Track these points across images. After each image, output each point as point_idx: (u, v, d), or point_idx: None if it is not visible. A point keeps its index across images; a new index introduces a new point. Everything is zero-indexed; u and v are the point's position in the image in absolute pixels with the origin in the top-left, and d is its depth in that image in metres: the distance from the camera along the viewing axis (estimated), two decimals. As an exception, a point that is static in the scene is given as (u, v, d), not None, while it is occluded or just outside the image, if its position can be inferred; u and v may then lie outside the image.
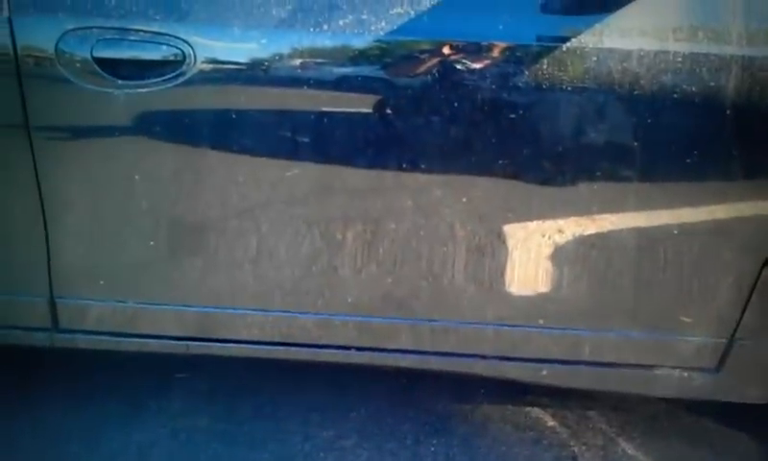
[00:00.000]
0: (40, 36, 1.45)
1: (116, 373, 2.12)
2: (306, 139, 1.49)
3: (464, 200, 1.53)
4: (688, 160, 1.46)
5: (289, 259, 1.61)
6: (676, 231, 1.53)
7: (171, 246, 1.62)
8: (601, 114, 1.45)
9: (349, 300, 1.65)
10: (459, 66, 1.43)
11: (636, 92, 1.42)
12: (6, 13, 1.44)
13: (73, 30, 1.44)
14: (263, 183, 1.56)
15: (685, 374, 1.67)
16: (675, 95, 1.42)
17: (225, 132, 1.50)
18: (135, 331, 1.71)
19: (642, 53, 1.40)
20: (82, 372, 2.11)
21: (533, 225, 1.56)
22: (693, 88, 1.41)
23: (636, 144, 1.46)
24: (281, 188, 1.55)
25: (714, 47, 1.40)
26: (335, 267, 1.61)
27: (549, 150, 1.49)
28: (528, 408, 2.10)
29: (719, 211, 1.51)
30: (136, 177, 1.54)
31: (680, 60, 1.40)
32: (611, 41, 1.41)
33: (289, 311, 1.67)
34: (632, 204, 1.53)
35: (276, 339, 1.70)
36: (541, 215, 1.55)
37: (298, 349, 1.71)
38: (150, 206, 1.58)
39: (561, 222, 1.55)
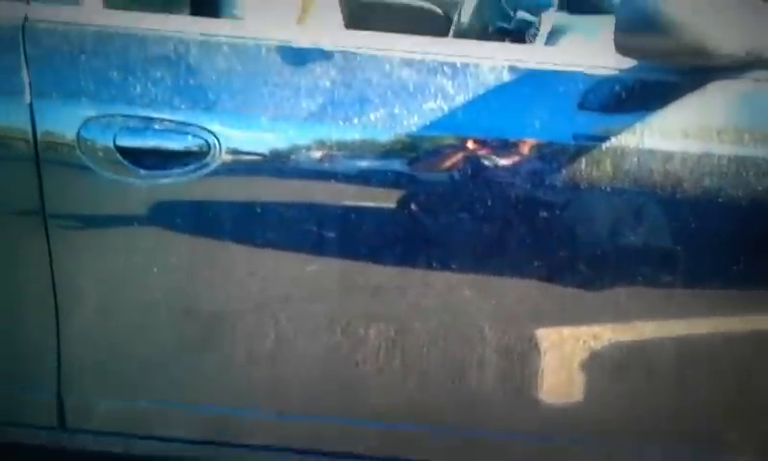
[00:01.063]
0: (61, 123, 1.41)
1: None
2: (331, 234, 1.44)
3: (493, 302, 1.46)
4: (734, 268, 1.39)
5: (308, 359, 1.53)
6: (719, 342, 1.45)
7: (186, 342, 1.55)
8: (641, 217, 1.38)
9: (371, 404, 1.56)
10: (492, 163, 1.38)
11: (678, 195, 1.36)
12: (28, 99, 1.40)
13: (96, 117, 1.40)
14: (284, 278, 1.50)
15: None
16: (720, 199, 1.35)
17: (247, 224, 1.45)
18: (147, 433, 1.63)
19: (685, 155, 1.35)
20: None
21: (567, 330, 1.48)
22: (739, 192, 1.35)
23: (678, 249, 1.39)
24: (302, 284, 1.49)
25: (762, 150, 1.34)
26: (356, 368, 1.53)
27: (586, 252, 1.42)
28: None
29: (765, 323, 1.44)
30: (154, 269, 1.49)
31: (725, 162, 1.35)
32: (651, 142, 1.35)
33: (306, 415, 1.59)
34: (672, 311, 1.44)
35: (293, 444, 1.61)
36: (576, 320, 1.47)
37: (315, 457, 1.62)
38: (167, 299, 1.52)
39: (597, 328, 1.47)
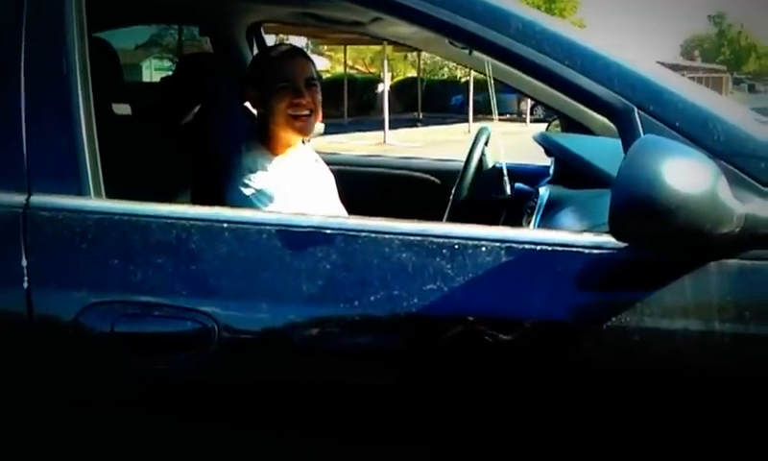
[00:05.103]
0: (60, 308, 1.40)
1: None
2: (333, 415, 1.40)
3: None
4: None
5: None
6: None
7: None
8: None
9: None
10: (491, 342, 1.35)
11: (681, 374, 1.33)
12: (25, 284, 1.38)
13: (95, 304, 1.38)
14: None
15: None
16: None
17: (247, 409, 1.41)
18: None
19: (686, 333, 1.33)
20: None
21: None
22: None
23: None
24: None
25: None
26: None
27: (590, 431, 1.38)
28: None
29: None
30: (152, 456, 1.44)
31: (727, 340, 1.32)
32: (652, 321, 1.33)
33: None
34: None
35: None
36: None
37: None
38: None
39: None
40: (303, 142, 2.32)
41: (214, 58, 2.90)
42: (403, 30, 2.71)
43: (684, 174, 1.24)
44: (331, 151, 2.98)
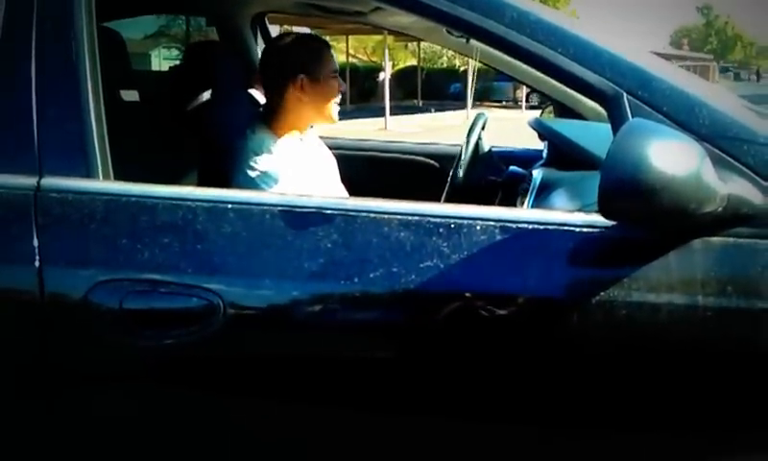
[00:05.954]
0: (70, 286, 1.40)
1: None
2: (334, 389, 1.41)
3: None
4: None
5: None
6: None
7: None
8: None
9: None
10: (486, 317, 1.36)
11: (666, 346, 1.33)
12: (37, 263, 1.38)
13: (104, 282, 1.38)
14: (289, 434, 1.45)
15: None
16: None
17: (252, 383, 1.42)
18: None
19: (672, 307, 1.33)
20: None
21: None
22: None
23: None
24: (306, 439, 1.45)
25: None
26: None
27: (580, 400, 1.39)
28: None
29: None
30: (158, 430, 1.44)
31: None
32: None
33: None
34: None
35: None
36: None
37: None
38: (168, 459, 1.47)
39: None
40: (311, 127, 2.32)
41: (221, 46, 2.89)
42: (403, 19, 2.70)
43: (670, 156, 1.23)
44: (335, 136, 2.97)
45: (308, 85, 2.16)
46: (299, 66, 2.17)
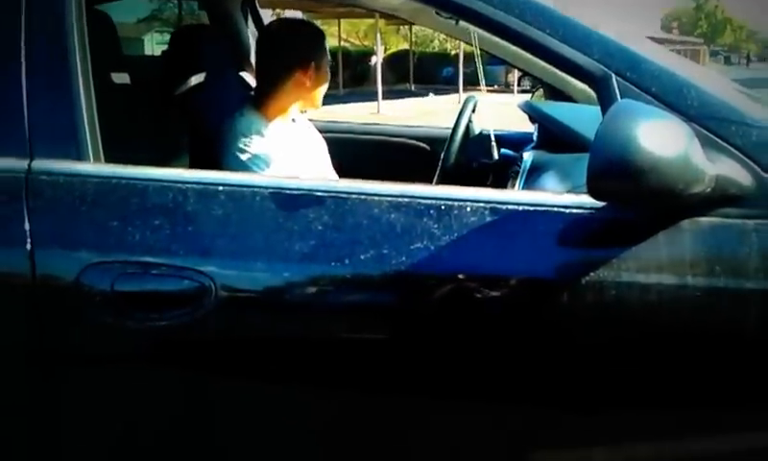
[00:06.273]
0: (61, 269, 1.39)
1: None
2: (325, 370, 1.41)
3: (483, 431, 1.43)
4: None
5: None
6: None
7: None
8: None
9: None
10: (477, 297, 1.36)
11: (655, 326, 1.33)
12: (28, 246, 1.37)
13: (95, 264, 1.38)
14: (280, 415, 1.46)
15: None
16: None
17: (243, 364, 1.42)
18: None
19: (661, 286, 1.33)
20: None
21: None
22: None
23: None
24: (297, 420, 1.45)
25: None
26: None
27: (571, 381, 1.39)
28: None
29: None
30: (150, 412, 1.44)
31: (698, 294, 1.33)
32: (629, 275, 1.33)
33: None
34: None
35: None
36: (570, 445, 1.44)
37: None
38: (162, 441, 1.47)
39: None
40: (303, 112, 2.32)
41: (210, 29, 2.88)
42: (393, 1, 2.68)
43: (658, 136, 1.23)
44: (328, 120, 2.96)
45: (314, 72, 2.19)
46: (310, 53, 2.20)
